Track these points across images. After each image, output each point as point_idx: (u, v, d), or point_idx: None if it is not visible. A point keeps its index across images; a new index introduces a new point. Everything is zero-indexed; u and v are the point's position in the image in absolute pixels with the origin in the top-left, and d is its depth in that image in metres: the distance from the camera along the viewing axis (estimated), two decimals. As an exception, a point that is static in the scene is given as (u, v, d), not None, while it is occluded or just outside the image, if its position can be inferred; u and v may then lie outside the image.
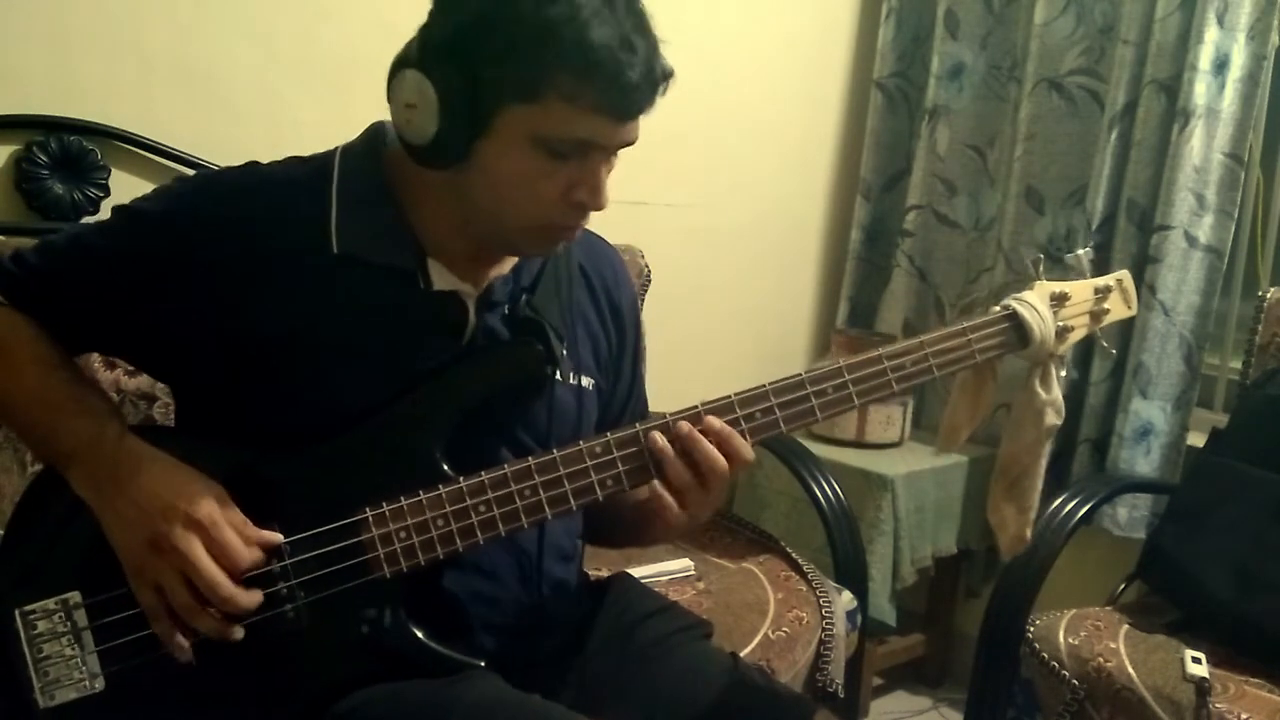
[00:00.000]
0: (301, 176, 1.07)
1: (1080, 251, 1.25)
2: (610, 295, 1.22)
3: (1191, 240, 2.18)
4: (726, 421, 1.04)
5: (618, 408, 1.25)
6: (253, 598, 0.96)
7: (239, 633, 0.96)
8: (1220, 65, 2.12)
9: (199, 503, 0.95)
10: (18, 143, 1.63)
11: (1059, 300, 1.19)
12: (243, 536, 0.96)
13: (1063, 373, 1.22)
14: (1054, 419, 1.22)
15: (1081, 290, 1.22)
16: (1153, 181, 2.21)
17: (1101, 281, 1.24)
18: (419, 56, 0.97)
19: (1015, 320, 1.16)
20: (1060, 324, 1.19)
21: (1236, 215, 2.17)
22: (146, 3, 1.71)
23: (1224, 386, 2.37)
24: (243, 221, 1.03)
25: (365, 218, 1.04)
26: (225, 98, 1.79)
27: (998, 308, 1.18)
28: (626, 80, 0.95)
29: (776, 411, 1.06)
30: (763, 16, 2.48)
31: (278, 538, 0.98)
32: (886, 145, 2.67)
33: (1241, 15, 2.10)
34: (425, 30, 0.99)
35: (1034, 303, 1.17)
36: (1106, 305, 1.23)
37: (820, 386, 1.08)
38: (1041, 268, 1.21)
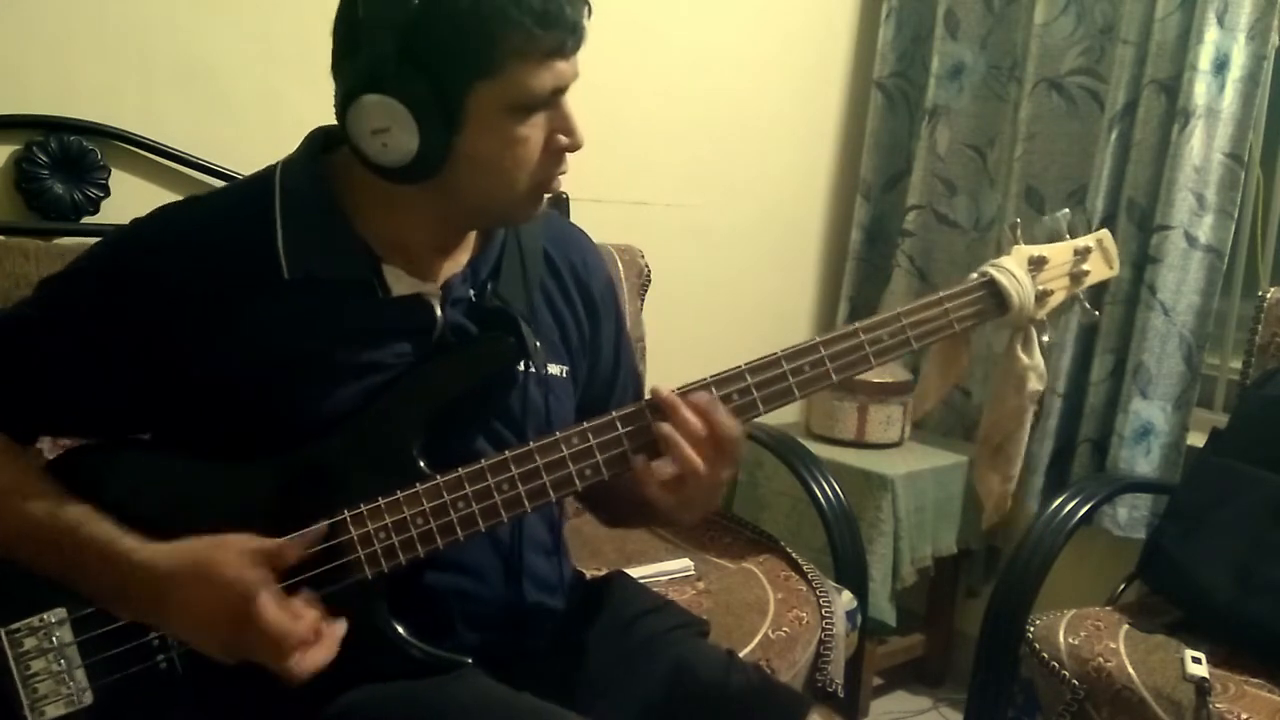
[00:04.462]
0: (242, 202, 1.05)
1: (1059, 214, 1.22)
2: (579, 278, 1.21)
3: (1191, 240, 2.18)
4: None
5: (602, 390, 1.24)
6: (328, 648, 0.95)
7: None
8: (1220, 65, 2.12)
9: (239, 608, 0.91)
10: (18, 143, 1.63)
11: (1037, 264, 1.17)
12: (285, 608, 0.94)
13: (1045, 337, 1.20)
14: (1036, 384, 1.21)
15: (1060, 253, 1.20)
16: (1153, 181, 2.21)
17: (1080, 242, 1.21)
18: (370, 79, 0.96)
19: (993, 287, 1.15)
20: (1040, 288, 1.17)
21: (1236, 215, 2.16)
22: (146, 3, 1.71)
23: (1224, 386, 2.36)
24: (190, 261, 1.01)
25: (313, 234, 1.03)
26: (225, 98, 1.79)
27: (975, 275, 1.16)
28: (567, 19, 0.97)
29: (754, 392, 1.06)
30: (763, 17, 2.48)
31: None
32: (886, 145, 2.67)
33: (1241, 15, 2.10)
34: (365, 53, 0.96)
35: (1011, 268, 1.16)
36: (1086, 266, 1.21)
37: (797, 364, 1.07)
38: (1019, 232, 1.19)
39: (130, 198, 1.71)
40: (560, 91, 1.01)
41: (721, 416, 1.02)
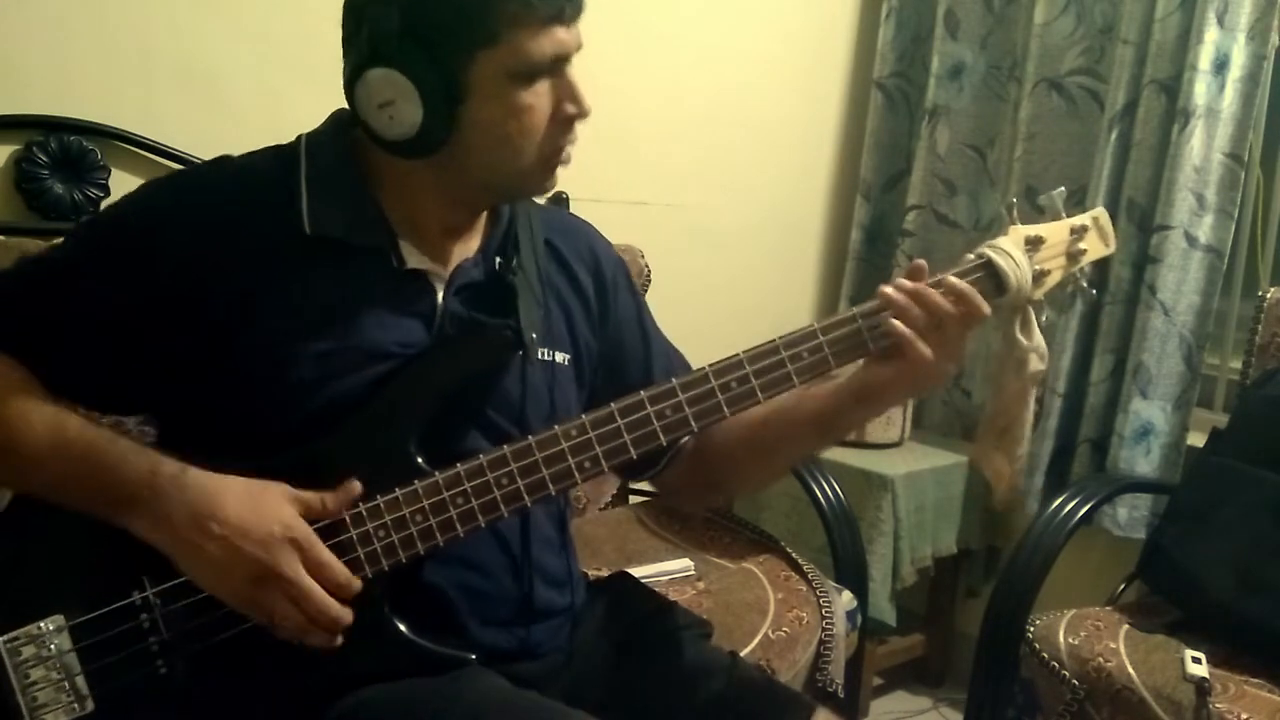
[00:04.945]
0: (269, 165, 1.07)
1: (1054, 192, 1.20)
2: (586, 263, 1.22)
3: (1191, 240, 2.18)
4: (702, 391, 1.06)
5: (638, 374, 1.24)
6: (348, 613, 0.97)
7: (339, 640, 0.97)
8: (1220, 65, 2.12)
9: (291, 522, 0.95)
10: (18, 143, 1.63)
11: (1034, 244, 1.15)
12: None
13: (1043, 317, 1.19)
14: (1038, 364, 1.20)
15: (1057, 232, 1.18)
16: (1153, 181, 2.21)
17: (1077, 221, 1.19)
18: (373, 54, 0.98)
19: (990, 268, 1.13)
20: (1037, 268, 1.15)
21: (1236, 215, 2.16)
22: (146, 3, 1.71)
23: (1224, 386, 2.36)
24: (216, 213, 1.03)
25: (335, 200, 1.05)
26: (225, 98, 1.79)
27: (972, 256, 1.15)
28: None
29: (753, 379, 1.06)
30: (763, 16, 2.48)
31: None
32: (886, 145, 2.68)
33: (1241, 15, 2.10)
34: (368, 30, 0.99)
35: (1008, 248, 1.14)
36: (1083, 245, 1.19)
37: (795, 350, 1.07)
38: (1015, 212, 1.18)
39: (130, 198, 1.71)
40: (562, 59, 1.02)
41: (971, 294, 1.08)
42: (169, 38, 1.73)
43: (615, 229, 1.33)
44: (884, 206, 2.71)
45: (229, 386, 1.03)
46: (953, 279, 1.09)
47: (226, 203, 1.04)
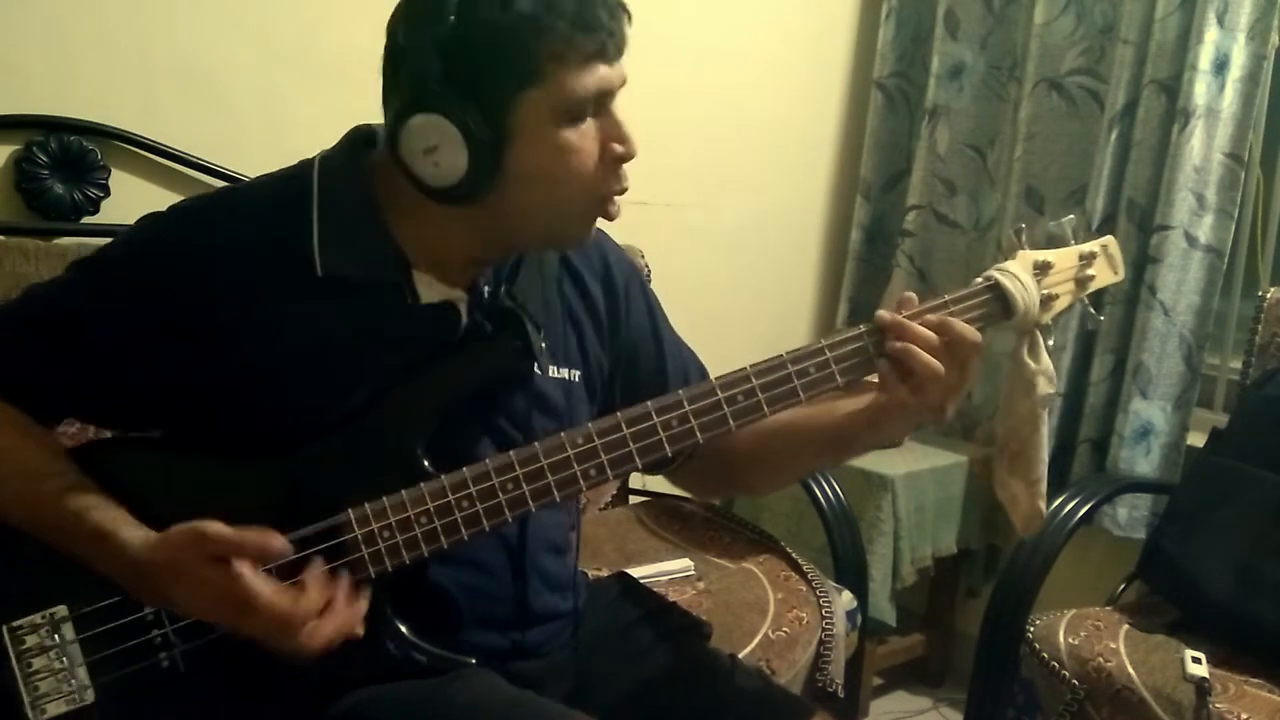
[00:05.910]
0: (280, 196, 1.05)
1: (1064, 219, 1.20)
2: (597, 274, 1.21)
3: (1191, 240, 2.18)
4: (708, 404, 1.04)
5: (651, 375, 1.23)
6: (339, 621, 0.95)
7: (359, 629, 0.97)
8: (1220, 65, 2.12)
9: (227, 590, 0.92)
10: (18, 143, 1.63)
11: (1042, 269, 1.16)
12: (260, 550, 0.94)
13: (1050, 341, 1.19)
14: (1047, 387, 1.20)
15: (1065, 257, 1.18)
16: (1153, 181, 2.21)
17: (1086, 247, 1.20)
18: (414, 101, 0.96)
19: (997, 291, 1.13)
20: (1044, 292, 1.15)
21: (1236, 215, 2.17)
22: (146, 3, 1.71)
23: (1224, 386, 2.37)
24: (225, 251, 1.01)
25: (348, 234, 1.03)
26: (225, 98, 1.79)
27: (979, 279, 1.15)
28: (602, 21, 0.97)
29: (759, 394, 1.06)
30: (763, 16, 2.48)
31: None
32: (886, 145, 2.68)
33: (1241, 15, 2.10)
34: (407, 74, 0.97)
35: (1016, 272, 1.14)
36: (1091, 271, 1.20)
37: (802, 366, 1.07)
38: (1024, 236, 1.18)
39: (130, 198, 1.71)
40: (607, 96, 1.00)
41: (955, 323, 1.06)
42: (169, 38, 1.73)
43: (615, 229, 1.32)
44: (884, 206, 2.71)
45: (238, 407, 1.02)
46: (930, 315, 1.07)
47: (236, 237, 1.02)
